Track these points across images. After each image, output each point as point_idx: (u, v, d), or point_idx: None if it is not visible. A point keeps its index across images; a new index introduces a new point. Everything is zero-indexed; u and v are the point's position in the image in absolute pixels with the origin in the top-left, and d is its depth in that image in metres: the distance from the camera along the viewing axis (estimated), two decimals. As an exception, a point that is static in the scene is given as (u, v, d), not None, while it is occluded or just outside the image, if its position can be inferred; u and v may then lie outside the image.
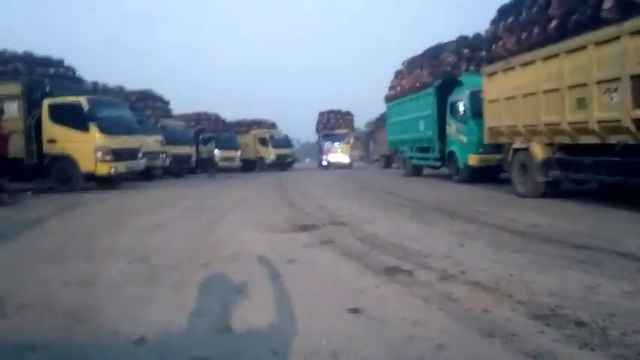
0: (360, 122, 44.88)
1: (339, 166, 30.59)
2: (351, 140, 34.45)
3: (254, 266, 4.64)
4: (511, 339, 2.71)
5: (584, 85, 7.61)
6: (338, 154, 31.99)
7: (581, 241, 5.21)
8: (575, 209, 7.74)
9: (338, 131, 33.76)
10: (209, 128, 28.64)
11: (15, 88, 12.84)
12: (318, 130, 36.09)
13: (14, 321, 3.32)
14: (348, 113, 36.53)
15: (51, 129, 12.94)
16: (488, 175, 12.83)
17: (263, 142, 29.70)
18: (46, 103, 13.00)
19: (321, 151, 33.86)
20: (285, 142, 31.36)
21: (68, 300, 3.72)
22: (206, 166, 23.31)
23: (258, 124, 32.72)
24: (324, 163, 32.23)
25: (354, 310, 3.28)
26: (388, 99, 20.30)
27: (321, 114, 36.59)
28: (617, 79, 6.92)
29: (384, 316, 3.16)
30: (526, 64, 9.27)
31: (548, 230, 5.92)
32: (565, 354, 2.52)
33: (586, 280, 3.76)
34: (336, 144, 32.27)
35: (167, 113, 25.34)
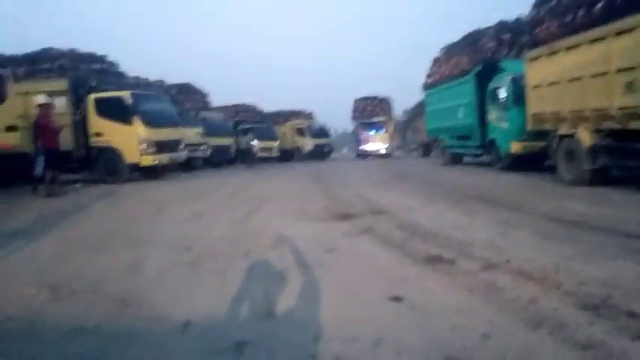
0: (398, 110, 43.62)
1: (377, 156, 29.40)
2: (390, 128, 32.55)
3: (294, 254, 4.67)
4: (559, 329, 2.64)
5: (634, 68, 7.27)
6: (375, 143, 30.35)
7: (631, 229, 5.00)
8: (624, 197, 7.43)
9: (375, 119, 31.73)
10: (247, 119, 28.93)
11: (62, 84, 13.34)
12: (354, 118, 34.18)
13: (67, 305, 3.48)
14: (385, 100, 33.94)
15: (97, 123, 13.40)
16: (531, 163, 12.45)
17: (300, 132, 29.85)
18: (92, 98, 13.45)
19: (357, 141, 32.23)
20: (322, 132, 31.48)
21: (117, 286, 3.86)
22: (245, 157, 23.59)
23: (295, 114, 32.81)
24: (361, 152, 30.67)
25: (396, 299, 3.26)
26: (426, 87, 19.98)
27: (357, 101, 34.34)
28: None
29: (427, 305, 3.13)
30: (571, 47, 8.93)
31: (597, 219, 5.70)
32: (617, 345, 2.43)
33: (638, 270, 3.61)
34: (373, 132, 30.60)
35: (206, 105, 25.79)
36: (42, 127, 10.61)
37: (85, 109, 13.40)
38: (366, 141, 30.52)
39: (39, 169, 10.86)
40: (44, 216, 7.79)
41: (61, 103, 13.15)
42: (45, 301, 3.55)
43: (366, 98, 34.06)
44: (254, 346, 2.65)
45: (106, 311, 3.30)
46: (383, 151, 29.79)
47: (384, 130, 30.54)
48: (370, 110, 33.18)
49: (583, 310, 2.90)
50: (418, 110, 28.67)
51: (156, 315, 3.20)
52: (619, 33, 7.57)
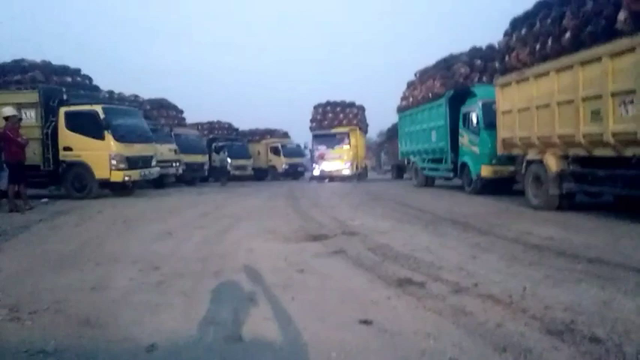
0: (372, 132, 43.42)
1: (338, 178, 23.67)
2: (360, 142, 25.82)
3: (265, 275, 4.63)
4: (525, 355, 2.67)
5: (599, 97, 7.55)
6: (334, 162, 24.00)
7: (595, 255, 5.14)
8: (589, 223, 7.63)
9: (335, 130, 25.07)
10: (222, 137, 28.82)
11: (33, 96, 13.06)
12: (312, 130, 26.81)
13: (27, 326, 3.35)
14: (352, 105, 26.73)
15: (67, 136, 13.12)
16: (501, 187, 12.72)
17: (275, 151, 29.82)
18: (63, 111, 13.17)
19: (312, 158, 25.73)
20: (297, 152, 31.18)
21: (80, 306, 3.75)
22: (218, 175, 23.43)
23: (270, 133, 32.84)
24: (316, 173, 24.52)
25: (366, 322, 3.25)
26: (400, 109, 20.27)
27: (317, 107, 27.18)
28: (633, 91, 6.85)
29: (396, 329, 3.13)
30: (540, 75, 9.23)
31: (563, 244, 5.84)
32: (580, 370, 2.47)
33: (601, 296, 3.70)
34: (332, 147, 24.21)
35: (181, 122, 25.58)
36: (7, 140, 10.34)
37: (55, 122, 13.12)
38: (322, 159, 24.37)
39: (2, 182, 10.55)
40: (5, 231, 7.53)
41: (30, 116, 12.89)
42: (4, 322, 3.41)
43: (326, 104, 27.16)
44: (220, 370, 2.59)
45: (68, 332, 3.20)
46: (346, 172, 23.80)
47: (347, 144, 24.12)
48: (331, 118, 26.56)
49: (548, 335, 2.95)
50: (392, 132, 28.98)
51: (120, 337, 3.11)
52: (585, 62, 7.86)
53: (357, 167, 24.27)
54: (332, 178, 23.54)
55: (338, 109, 26.42)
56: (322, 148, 24.20)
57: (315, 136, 25.26)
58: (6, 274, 4.84)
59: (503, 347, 2.77)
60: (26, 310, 3.62)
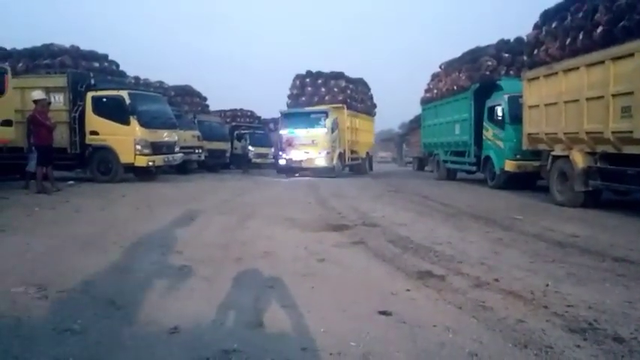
0: (394, 124, 43.03)
1: (313, 172, 18.19)
2: (359, 125, 21.05)
3: (285, 263, 4.67)
4: (546, 351, 2.65)
5: (631, 93, 7.36)
6: (307, 150, 18.08)
7: (621, 254, 5.05)
8: (615, 221, 7.49)
9: (310, 108, 19.47)
10: (244, 125, 28.97)
11: (61, 80, 13.36)
12: (289, 107, 21.36)
13: (55, 304, 3.44)
14: (339, 76, 20.66)
15: (93, 121, 13.37)
16: (524, 182, 12.55)
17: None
18: (90, 95, 13.43)
19: (277, 145, 20.31)
20: None
21: (106, 287, 3.84)
22: (240, 162, 23.57)
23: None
24: (282, 162, 18.88)
25: (385, 313, 3.26)
26: (424, 101, 20.10)
27: (296, 78, 21.68)
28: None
29: (416, 321, 3.13)
30: (569, 70, 9.03)
31: (587, 241, 5.75)
32: (603, 370, 2.44)
33: (625, 295, 3.64)
34: (304, 131, 18.18)
35: (204, 109, 25.81)
36: (36, 123, 10.57)
37: (82, 106, 13.37)
38: (290, 145, 18.49)
39: (31, 164, 10.82)
40: (35, 212, 7.74)
41: (59, 100, 13.17)
42: (33, 300, 3.52)
43: (309, 74, 21.36)
44: (241, 355, 2.63)
45: (94, 312, 3.28)
46: (320, 162, 18.02)
47: (324, 126, 18.00)
48: (310, 93, 20.81)
49: (570, 332, 2.92)
50: (415, 124, 28.74)
51: (144, 319, 3.18)
52: (617, 58, 7.67)
53: (342, 157, 19.26)
54: (304, 170, 18.48)
55: (320, 81, 20.85)
56: (289, 132, 18.69)
57: (284, 116, 19.64)
58: (34, 254, 4.97)
59: (524, 343, 2.75)
60: (54, 290, 3.72)
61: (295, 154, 18.24)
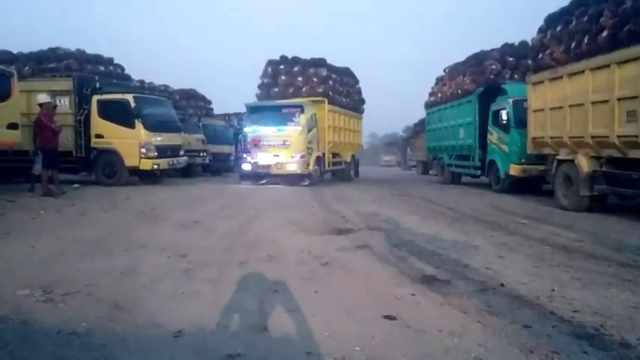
0: (398, 127, 42.88)
1: (284, 180, 14.77)
2: (345, 123, 18.24)
3: (289, 267, 4.67)
4: (552, 357, 2.63)
5: (636, 97, 7.35)
6: (274, 152, 14.74)
7: (627, 259, 5.02)
8: (620, 225, 7.45)
9: (282, 102, 16.09)
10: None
11: (67, 83, 13.43)
12: (258, 99, 18.13)
13: (60, 307, 3.45)
14: (320, 63, 17.29)
15: (99, 124, 13.43)
16: (529, 186, 12.52)
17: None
18: (95, 99, 13.48)
19: (243, 145, 16.18)
20: None
21: (110, 290, 3.84)
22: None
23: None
24: (246, 167, 15.32)
25: (390, 317, 3.25)
26: (428, 105, 20.10)
27: (267, 65, 18.10)
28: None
29: (420, 326, 3.12)
30: (574, 74, 9.02)
31: (593, 246, 5.72)
32: (609, 376, 2.42)
33: (632, 300, 3.62)
34: (272, 130, 14.81)
35: (209, 112, 25.86)
36: (42, 126, 10.61)
37: (87, 109, 13.43)
38: (256, 147, 14.97)
39: (37, 167, 10.87)
40: (40, 215, 7.77)
41: (64, 103, 13.24)
42: (38, 302, 3.52)
43: (283, 60, 17.80)
44: (245, 359, 2.63)
45: (99, 315, 3.28)
46: (291, 167, 14.68)
47: (299, 124, 14.62)
48: (285, 83, 17.41)
49: (576, 338, 2.90)
50: (419, 128, 28.70)
51: (148, 322, 3.18)
52: (622, 62, 7.65)
53: (321, 161, 16.35)
54: (272, 177, 15.05)
55: (296, 68, 17.32)
56: (254, 132, 15.10)
57: (250, 110, 15.88)
58: (40, 256, 4.99)
59: (530, 349, 2.73)
60: (59, 292, 3.73)
61: (262, 158, 14.84)
